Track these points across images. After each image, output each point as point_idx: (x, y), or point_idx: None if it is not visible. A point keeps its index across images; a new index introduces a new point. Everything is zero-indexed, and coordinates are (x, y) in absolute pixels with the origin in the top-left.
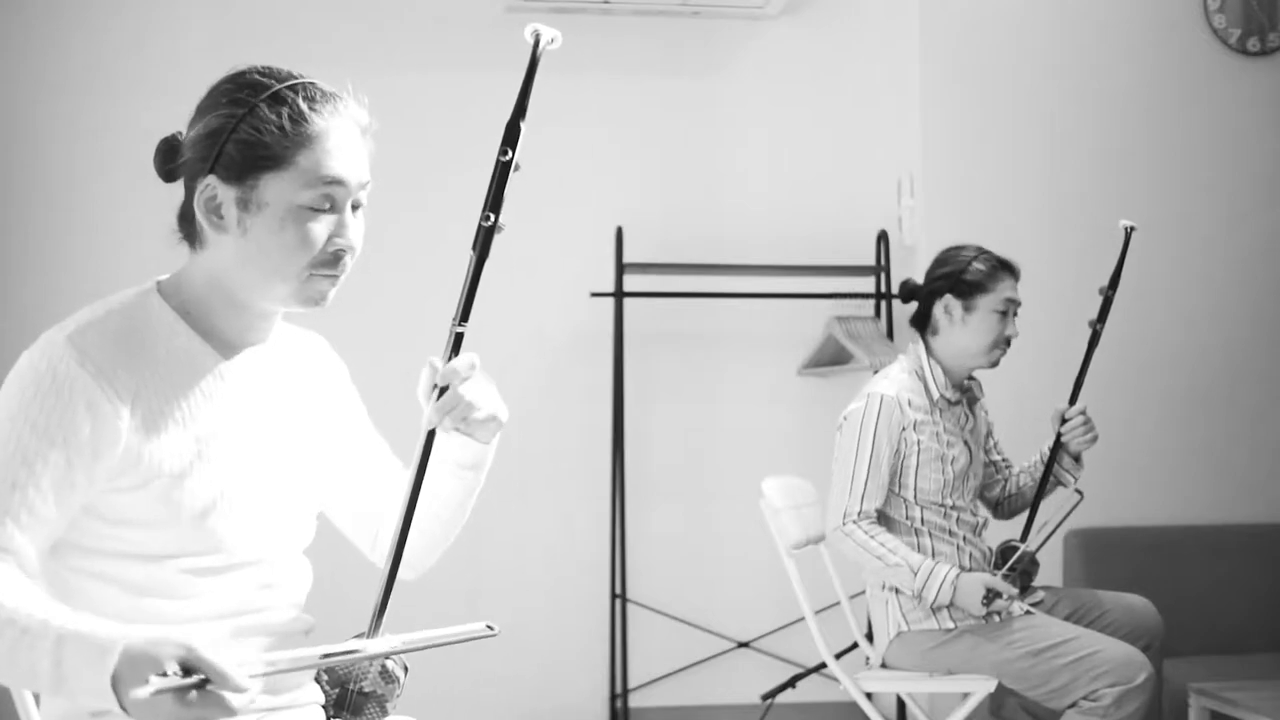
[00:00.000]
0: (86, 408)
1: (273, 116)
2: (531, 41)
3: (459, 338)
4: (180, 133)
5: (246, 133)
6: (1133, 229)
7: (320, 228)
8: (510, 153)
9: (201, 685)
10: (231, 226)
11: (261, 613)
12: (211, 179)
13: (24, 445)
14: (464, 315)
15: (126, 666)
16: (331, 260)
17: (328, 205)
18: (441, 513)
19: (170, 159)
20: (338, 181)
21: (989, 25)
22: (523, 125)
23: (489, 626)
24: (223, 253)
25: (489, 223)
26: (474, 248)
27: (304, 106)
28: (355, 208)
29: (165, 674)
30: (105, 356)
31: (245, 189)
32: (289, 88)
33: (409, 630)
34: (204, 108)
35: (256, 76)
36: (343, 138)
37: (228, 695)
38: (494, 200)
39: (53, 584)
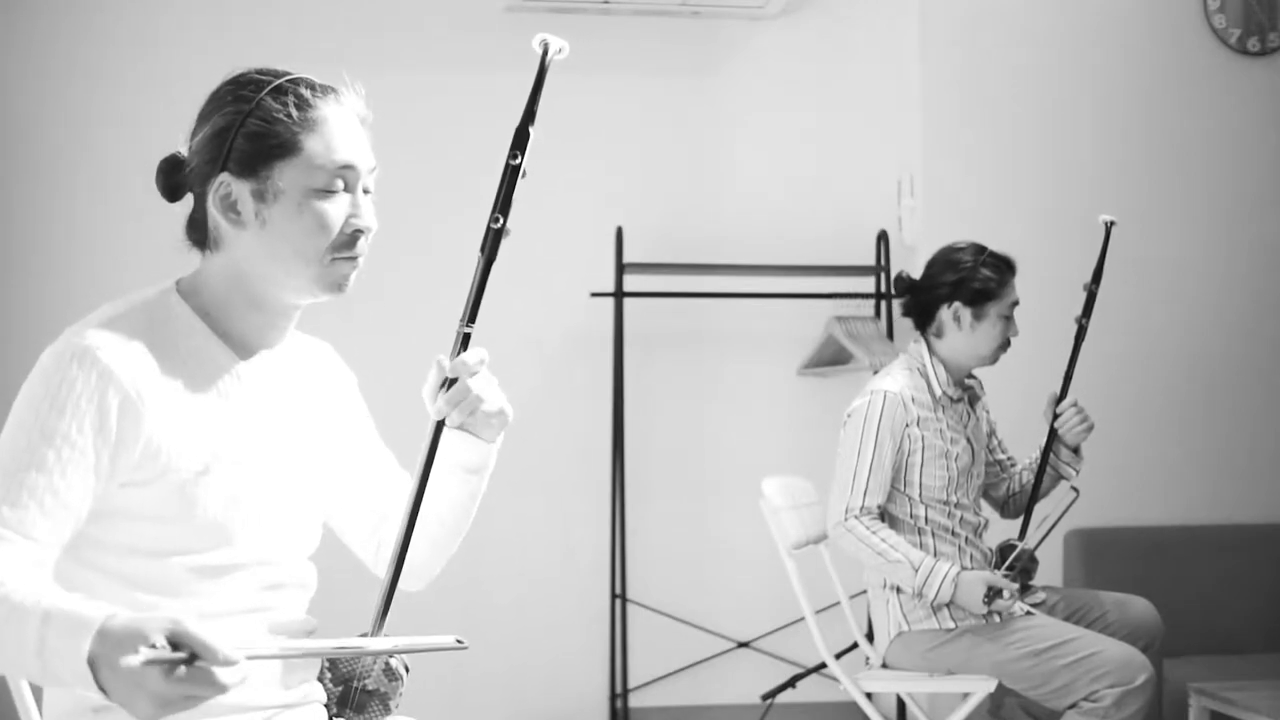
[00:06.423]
0: (111, 398)
1: (278, 106)
2: (540, 51)
3: (466, 338)
4: (180, 151)
5: (255, 125)
6: (1112, 223)
7: (336, 209)
8: (519, 156)
9: (190, 661)
10: (250, 220)
11: (266, 612)
12: (224, 176)
13: (49, 430)
14: (471, 316)
15: (107, 645)
16: (350, 241)
17: (341, 187)
18: (446, 518)
19: (173, 175)
20: (348, 165)
21: (989, 25)
22: (531, 130)
23: (458, 640)
24: (242, 249)
25: (498, 225)
26: (482, 250)
27: (306, 94)
28: (365, 192)
29: (154, 646)
30: (128, 351)
31: (259, 180)
32: (289, 81)
33: (406, 634)
34: (206, 112)
35: (255, 75)
36: (345, 124)
37: (217, 671)
38: (503, 203)
39: (57, 577)
